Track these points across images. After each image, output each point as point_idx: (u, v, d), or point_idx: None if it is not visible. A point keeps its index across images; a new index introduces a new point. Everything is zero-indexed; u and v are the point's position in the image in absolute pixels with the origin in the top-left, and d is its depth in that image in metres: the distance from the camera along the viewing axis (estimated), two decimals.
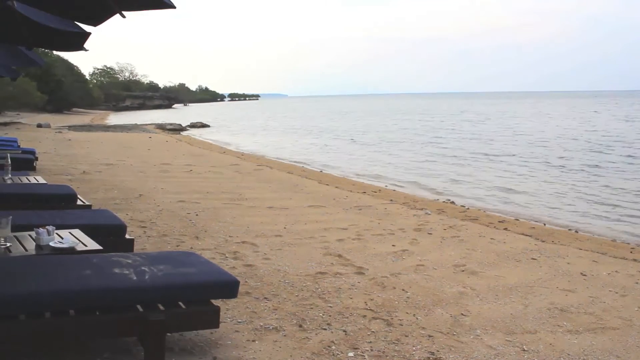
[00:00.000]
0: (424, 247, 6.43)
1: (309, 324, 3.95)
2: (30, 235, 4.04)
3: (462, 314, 4.32)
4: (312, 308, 4.27)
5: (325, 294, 4.62)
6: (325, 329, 3.88)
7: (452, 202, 11.08)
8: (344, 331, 3.86)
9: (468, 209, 10.21)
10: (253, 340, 3.61)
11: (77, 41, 6.26)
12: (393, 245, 6.43)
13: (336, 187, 11.71)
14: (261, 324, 3.90)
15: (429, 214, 8.74)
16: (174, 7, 4.05)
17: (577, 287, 5.15)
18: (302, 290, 4.69)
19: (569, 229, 8.99)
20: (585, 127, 36.06)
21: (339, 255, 5.86)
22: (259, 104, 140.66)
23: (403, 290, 4.83)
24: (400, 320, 4.12)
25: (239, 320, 3.92)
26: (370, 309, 4.32)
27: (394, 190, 12.45)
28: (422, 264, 5.70)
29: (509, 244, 6.79)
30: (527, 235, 7.54)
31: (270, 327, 3.85)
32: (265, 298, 4.44)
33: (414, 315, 4.25)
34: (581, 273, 5.63)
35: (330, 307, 4.32)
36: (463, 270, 5.53)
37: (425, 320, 4.15)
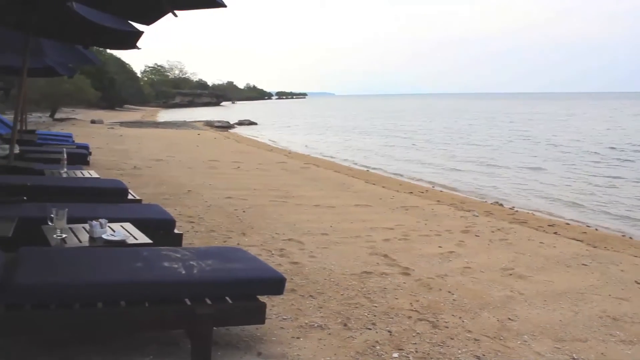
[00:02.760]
0: (471, 249, 6.34)
1: (353, 323, 3.94)
2: (84, 228, 4.16)
3: (509, 318, 4.24)
4: (357, 307, 4.27)
5: (371, 293, 4.61)
6: (370, 329, 3.87)
7: (500, 204, 10.89)
8: (389, 332, 3.84)
9: (517, 211, 10.02)
10: (298, 338, 3.63)
11: (131, 40, 6.43)
12: (440, 247, 6.36)
13: (383, 187, 11.65)
14: (306, 321, 3.92)
15: (477, 216, 8.61)
16: (225, 6, 4.11)
17: (631, 296, 4.98)
18: (348, 289, 4.69)
19: (623, 235, 8.73)
20: None
21: (385, 255, 5.83)
22: (306, 103, 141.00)
23: (449, 292, 4.77)
24: (446, 322, 4.08)
25: (284, 317, 3.95)
26: (416, 310, 4.28)
27: (441, 191, 12.31)
28: (469, 266, 5.62)
29: (558, 249, 6.63)
30: (578, 240, 7.34)
31: (315, 325, 3.86)
32: (311, 296, 4.45)
33: (460, 318, 4.19)
34: (636, 281, 5.44)
35: (376, 307, 4.30)
36: (511, 274, 5.43)
37: (472, 324, 4.09)
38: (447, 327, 3.98)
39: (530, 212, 10.23)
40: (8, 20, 6.25)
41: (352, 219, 7.77)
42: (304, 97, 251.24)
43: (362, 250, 6.00)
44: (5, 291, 2.82)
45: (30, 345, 3.16)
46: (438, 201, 10.09)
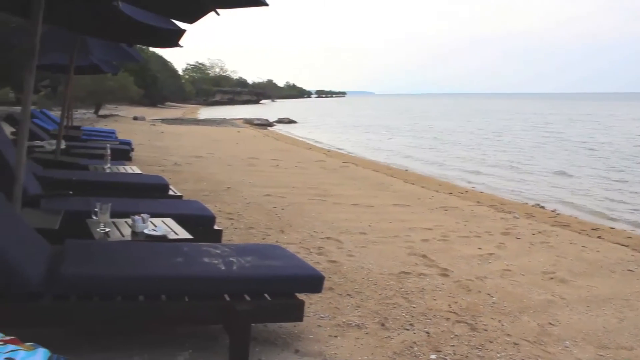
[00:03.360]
0: (511, 252, 6.24)
1: (391, 323, 3.93)
2: (126, 222, 4.25)
3: (550, 323, 4.16)
4: (395, 307, 4.25)
5: (409, 294, 4.58)
6: (407, 329, 3.84)
7: (542, 207, 10.69)
8: (427, 333, 3.81)
9: (559, 214, 9.81)
10: (335, 336, 3.63)
11: (174, 38, 6.51)
12: (479, 248, 6.28)
13: (422, 187, 11.56)
14: (344, 320, 3.92)
15: (517, 218, 8.47)
16: (267, 5, 4.12)
17: None
18: (386, 288, 4.67)
19: None
20: None
21: (424, 256, 5.78)
22: (344, 102, 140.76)
23: (488, 294, 4.71)
24: (485, 325, 4.03)
25: (322, 315, 3.95)
26: (454, 312, 4.24)
27: (482, 192, 12.15)
28: (509, 268, 5.54)
29: (602, 253, 6.47)
30: (622, 245, 7.14)
31: (353, 324, 3.86)
32: (349, 295, 4.45)
33: (499, 321, 4.13)
34: None
35: (414, 307, 4.28)
36: (552, 278, 5.33)
37: (511, 327, 4.03)
38: (486, 330, 3.93)
39: (572, 215, 10.01)
40: (57, 19, 6.40)
41: (390, 218, 7.74)
42: (344, 96, 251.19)
43: (400, 250, 5.97)
44: (52, 282, 2.90)
45: (72, 336, 3.24)
46: (478, 202, 9.96)
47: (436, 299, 4.50)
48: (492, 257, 5.96)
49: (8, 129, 9.61)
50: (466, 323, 4.04)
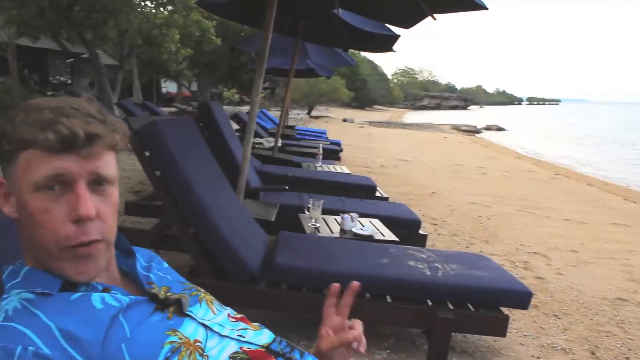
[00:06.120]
0: None
1: (602, 353, 3.61)
2: (335, 219, 4.43)
3: None
4: (607, 336, 3.90)
5: (625, 323, 4.17)
6: None
7: None
8: None
9: None
10: (538, 357, 3.44)
11: (388, 43, 6.65)
12: None
13: None
14: (548, 342, 3.69)
15: None
16: (486, 9, 4.00)
17: None
18: (598, 314, 4.31)
19: None
20: None
21: None
22: (558, 110, 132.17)
23: None
24: None
25: (525, 334, 3.77)
26: None
27: None
28: None
29: None
30: None
31: (558, 347, 3.62)
32: (555, 315, 4.18)
33: None
34: None
35: (631, 339, 3.89)
36: None
37: None
38: None
39: None
40: (283, 28, 6.90)
41: (606, 238, 7.10)
42: (557, 104, 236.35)
43: (616, 274, 5.46)
44: (267, 269, 3.14)
45: (280, 321, 3.47)
46: None
47: None
48: None
49: (233, 127, 10.54)
50: None
